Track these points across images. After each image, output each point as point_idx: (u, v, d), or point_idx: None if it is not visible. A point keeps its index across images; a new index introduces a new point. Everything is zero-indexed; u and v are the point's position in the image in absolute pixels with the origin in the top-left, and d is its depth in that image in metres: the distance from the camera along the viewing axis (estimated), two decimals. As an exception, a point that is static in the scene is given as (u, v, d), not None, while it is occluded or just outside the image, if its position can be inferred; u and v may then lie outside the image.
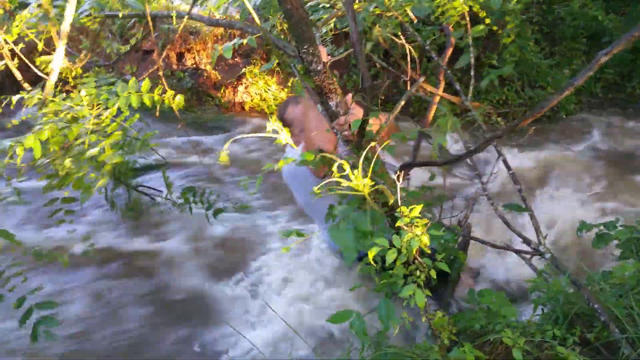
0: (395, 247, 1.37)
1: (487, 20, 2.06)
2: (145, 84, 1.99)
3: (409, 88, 2.19)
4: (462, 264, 2.29)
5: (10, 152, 1.68)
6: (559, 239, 3.31)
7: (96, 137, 1.75)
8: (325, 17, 2.62)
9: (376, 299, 1.89)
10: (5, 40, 2.43)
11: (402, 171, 2.41)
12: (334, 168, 1.40)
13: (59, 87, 2.26)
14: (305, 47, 1.66)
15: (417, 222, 1.34)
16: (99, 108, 1.93)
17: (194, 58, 6.35)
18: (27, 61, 2.45)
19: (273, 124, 1.58)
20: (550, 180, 4.27)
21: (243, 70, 6.29)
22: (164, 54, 5.99)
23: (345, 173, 1.40)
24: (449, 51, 2.71)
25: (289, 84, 6.31)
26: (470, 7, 2.13)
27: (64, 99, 1.95)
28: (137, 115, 1.91)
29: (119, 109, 1.93)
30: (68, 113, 1.85)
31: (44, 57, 2.44)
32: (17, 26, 2.42)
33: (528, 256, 2.00)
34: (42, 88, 2.15)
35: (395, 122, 2.61)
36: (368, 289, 2.01)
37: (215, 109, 6.22)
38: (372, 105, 1.62)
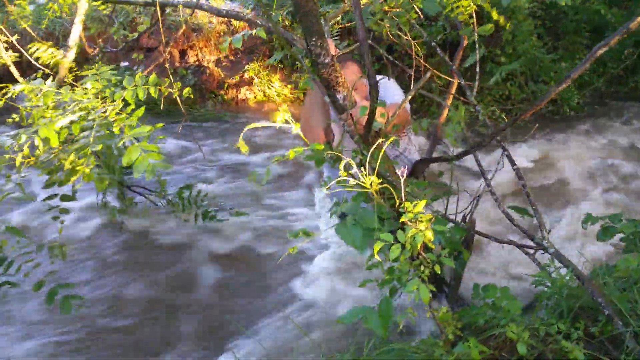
0: (399, 242, 1.38)
1: (495, 17, 2.05)
2: (152, 77, 1.99)
3: (413, 83, 2.19)
4: (465, 260, 2.30)
5: (18, 142, 1.67)
6: (565, 233, 3.32)
7: (117, 129, 1.74)
8: (332, 11, 2.63)
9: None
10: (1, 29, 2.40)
11: (417, 168, 2.42)
12: (341, 166, 1.41)
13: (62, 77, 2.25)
14: (314, 39, 1.66)
15: (421, 218, 1.34)
16: (104, 101, 1.92)
17: (197, 55, 6.35)
18: (23, 51, 2.40)
19: (283, 115, 1.60)
20: (555, 175, 4.27)
21: (246, 67, 6.29)
22: (168, 49, 6.00)
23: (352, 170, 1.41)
24: (461, 50, 2.72)
25: (292, 81, 6.31)
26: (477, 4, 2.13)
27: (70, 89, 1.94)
28: (143, 108, 1.90)
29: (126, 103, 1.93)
30: (77, 104, 1.84)
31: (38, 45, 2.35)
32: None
33: (532, 251, 2.01)
34: (45, 79, 2.14)
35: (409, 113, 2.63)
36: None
37: (219, 106, 6.22)
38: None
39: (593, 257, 2.81)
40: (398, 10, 2.16)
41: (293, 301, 2.66)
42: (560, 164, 4.46)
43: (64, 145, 1.90)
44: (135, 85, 1.93)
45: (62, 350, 2.38)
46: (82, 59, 2.76)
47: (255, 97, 6.30)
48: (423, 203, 1.36)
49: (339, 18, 2.75)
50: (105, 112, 1.80)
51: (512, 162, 1.88)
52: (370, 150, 1.46)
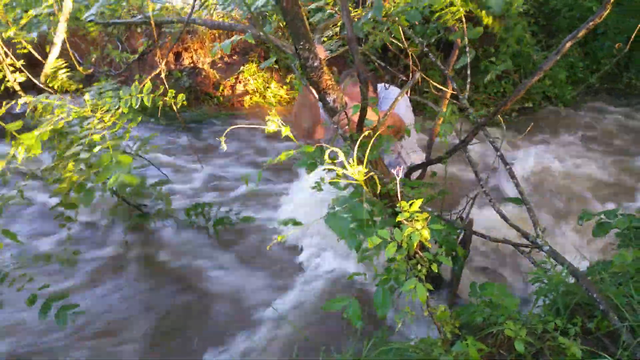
0: (395, 240, 1.38)
1: (485, 20, 2.06)
2: (147, 85, 2.01)
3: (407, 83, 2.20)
4: (463, 260, 2.31)
5: (12, 151, 1.67)
6: (561, 229, 3.34)
7: (99, 137, 1.76)
8: (324, 18, 2.65)
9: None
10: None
11: (410, 174, 2.44)
12: (326, 157, 1.42)
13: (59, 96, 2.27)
14: (302, 44, 1.68)
15: (417, 217, 1.35)
16: (101, 111, 1.94)
17: (192, 57, 6.35)
18: (16, 62, 2.41)
19: (273, 117, 1.60)
20: (551, 172, 4.29)
21: (241, 68, 6.29)
22: (164, 54, 6.00)
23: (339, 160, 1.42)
24: (455, 56, 2.73)
25: (288, 82, 6.31)
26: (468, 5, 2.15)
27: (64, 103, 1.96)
28: (140, 118, 1.92)
29: (122, 113, 1.95)
30: (69, 113, 1.86)
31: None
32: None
33: (527, 249, 2.02)
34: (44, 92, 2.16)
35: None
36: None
37: (214, 107, 6.21)
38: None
39: (590, 253, 2.83)
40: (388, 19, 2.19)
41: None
42: (554, 160, 4.48)
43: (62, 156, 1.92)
44: (130, 95, 1.95)
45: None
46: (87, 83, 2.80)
47: (251, 99, 6.30)
48: (419, 202, 1.36)
49: (337, 29, 2.78)
50: (101, 121, 1.82)
51: (505, 162, 1.89)
52: (358, 141, 1.46)
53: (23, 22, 2.51)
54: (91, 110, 1.95)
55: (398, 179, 1.46)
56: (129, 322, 2.61)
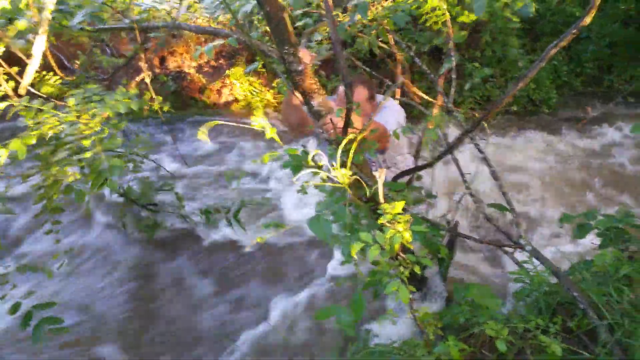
0: (378, 243, 1.39)
1: (465, 19, 2.09)
2: (132, 90, 2.01)
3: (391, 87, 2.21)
4: (449, 261, 2.32)
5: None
6: (544, 230, 3.37)
7: (88, 142, 1.75)
8: (310, 24, 2.66)
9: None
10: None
11: (398, 179, 2.44)
12: (309, 158, 1.42)
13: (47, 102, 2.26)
14: (286, 48, 1.68)
15: (399, 219, 1.36)
16: (87, 117, 1.93)
17: (177, 61, 6.32)
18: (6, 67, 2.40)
19: (258, 118, 1.60)
20: (535, 174, 4.34)
21: (227, 72, 6.27)
22: (149, 59, 5.98)
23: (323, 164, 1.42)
24: (446, 72, 2.76)
25: (275, 86, 6.31)
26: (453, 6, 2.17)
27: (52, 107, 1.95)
28: (125, 122, 1.91)
29: (107, 117, 1.94)
30: (53, 119, 1.85)
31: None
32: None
33: (511, 250, 2.04)
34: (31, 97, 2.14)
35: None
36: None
37: (201, 112, 6.20)
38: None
39: (573, 253, 2.86)
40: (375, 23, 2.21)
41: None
42: (539, 162, 4.53)
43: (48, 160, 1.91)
44: (116, 100, 1.95)
45: None
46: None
47: (237, 102, 6.29)
48: (401, 204, 1.37)
49: (326, 34, 2.80)
50: (86, 125, 1.81)
51: (489, 165, 1.91)
52: (342, 144, 1.47)
53: (10, 34, 2.49)
54: (77, 116, 1.94)
55: (380, 181, 1.47)
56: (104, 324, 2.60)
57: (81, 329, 2.60)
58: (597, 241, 1.94)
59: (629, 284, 1.59)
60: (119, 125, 2.02)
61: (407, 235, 1.35)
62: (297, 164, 1.71)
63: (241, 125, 1.69)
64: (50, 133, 1.89)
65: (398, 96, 2.79)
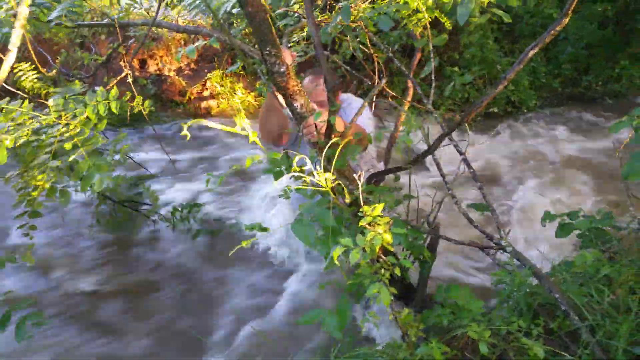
0: (359, 246, 1.37)
1: (449, 26, 2.09)
2: (113, 91, 1.97)
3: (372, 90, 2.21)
4: (431, 263, 2.31)
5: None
6: (526, 230, 3.39)
7: (70, 145, 1.71)
8: (290, 24, 2.64)
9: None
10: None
11: (373, 181, 2.44)
12: (294, 163, 1.41)
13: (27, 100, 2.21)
14: (268, 49, 1.66)
15: (379, 221, 1.34)
16: (67, 118, 1.89)
17: (157, 64, 6.26)
18: None
19: (241, 121, 1.58)
20: (516, 174, 4.38)
21: (208, 75, 6.23)
22: (129, 58, 5.89)
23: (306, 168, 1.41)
24: (416, 60, 2.76)
25: (256, 88, 6.28)
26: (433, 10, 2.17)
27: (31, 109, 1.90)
28: (105, 122, 1.87)
29: (87, 118, 1.90)
30: (32, 120, 1.80)
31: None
32: None
33: (492, 251, 2.04)
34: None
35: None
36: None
37: (181, 114, 6.14)
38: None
39: (556, 253, 2.88)
40: (356, 25, 2.20)
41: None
42: (520, 162, 4.57)
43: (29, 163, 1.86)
44: (97, 101, 1.91)
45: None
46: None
47: (218, 106, 6.24)
48: (381, 207, 1.36)
49: (303, 34, 2.78)
50: (66, 127, 1.77)
51: (469, 166, 1.90)
52: (325, 148, 1.45)
53: None
54: (56, 117, 1.89)
55: (360, 184, 1.46)
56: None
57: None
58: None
59: (609, 284, 1.60)
60: (98, 126, 1.98)
61: (388, 237, 1.33)
62: (277, 170, 1.69)
63: (224, 128, 1.67)
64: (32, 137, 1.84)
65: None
